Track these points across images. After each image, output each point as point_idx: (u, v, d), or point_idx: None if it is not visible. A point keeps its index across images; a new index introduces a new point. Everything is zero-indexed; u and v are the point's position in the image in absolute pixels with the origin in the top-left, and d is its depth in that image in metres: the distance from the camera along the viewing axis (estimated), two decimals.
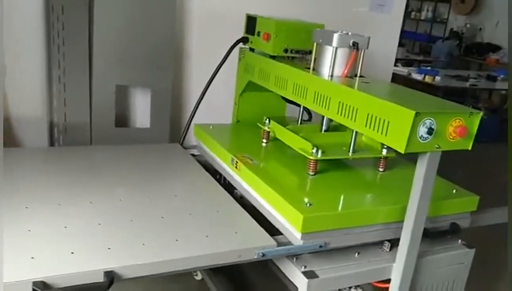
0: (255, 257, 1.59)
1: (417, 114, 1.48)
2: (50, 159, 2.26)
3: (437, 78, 6.67)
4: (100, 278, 1.34)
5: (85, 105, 2.82)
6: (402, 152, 1.52)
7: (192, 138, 2.74)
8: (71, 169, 2.08)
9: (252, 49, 2.52)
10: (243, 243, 1.61)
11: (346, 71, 1.99)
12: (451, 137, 1.60)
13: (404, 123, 1.50)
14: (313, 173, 1.95)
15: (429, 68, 7.34)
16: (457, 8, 11.72)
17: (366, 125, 1.66)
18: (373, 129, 1.63)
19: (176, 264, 1.49)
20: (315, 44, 2.06)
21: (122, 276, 1.39)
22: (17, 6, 2.67)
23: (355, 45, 1.96)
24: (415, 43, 12.65)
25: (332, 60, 1.97)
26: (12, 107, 2.77)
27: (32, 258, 1.37)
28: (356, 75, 2.02)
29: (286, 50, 2.33)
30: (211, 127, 2.47)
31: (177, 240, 1.58)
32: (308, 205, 1.65)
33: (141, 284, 2.70)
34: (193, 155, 2.45)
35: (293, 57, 2.37)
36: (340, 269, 1.69)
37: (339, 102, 1.79)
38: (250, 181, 1.94)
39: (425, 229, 1.79)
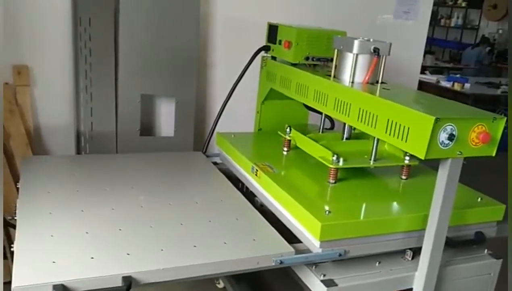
0: (273, 264, 1.57)
1: (437, 120, 1.46)
2: (75, 166, 2.31)
3: (467, 85, 6.53)
4: (118, 283, 1.36)
5: (111, 114, 2.88)
6: (423, 158, 1.49)
7: (215, 146, 2.76)
8: (95, 176, 2.12)
9: (274, 58, 2.53)
10: (261, 250, 1.60)
11: (367, 78, 1.97)
12: (474, 143, 1.56)
13: (424, 129, 1.48)
14: (333, 181, 1.93)
15: (458, 75, 7.19)
16: (489, 14, 11.48)
17: (386, 132, 1.64)
18: (393, 136, 1.61)
19: (193, 270, 1.49)
20: (336, 51, 2.05)
21: (139, 281, 1.40)
22: (46, 19, 2.76)
23: (376, 51, 1.94)
24: (445, 50, 12.44)
25: (353, 67, 1.96)
26: (41, 117, 2.86)
27: (53, 262, 1.40)
28: (377, 82, 2.00)
29: (307, 58, 2.33)
30: (232, 136, 2.48)
31: (195, 246, 1.58)
32: (327, 212, 1.64)
33: None
34: (215, 163, 2.47)
35: (315, 65, 2.37)
36: (360, 278, 1.66)
37: (359, 108, 1.78)
38: (270, 188, 1.94)
39: (449, 238, 1.75)
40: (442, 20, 12.62)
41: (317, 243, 1.61)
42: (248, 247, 1.63)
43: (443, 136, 1.50)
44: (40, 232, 1.57)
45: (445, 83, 6.71)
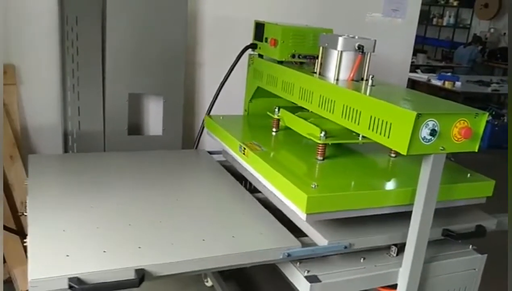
0: (281, 257, 1.61)
1: (418, 115, 1.46)
2: (82, 163, 2.31)
3: (457, 84, 6.57)
4: (131, 276, 1.39)
5: (99, 113, 2.87)
6: (405, 153, 1.50)
7: (205, 145, 2.76)
8: (102, 173, 2.16)
9: (261, 56, 2.53)
10: (269, 243, 1.64)
11: (352, 75, 1.97)
12: (456, 139, 1.56)
13: (406, 125, 1.48)
14: (321, 158, 1.94)
15: (449, 74, 7.22)
16: (480, 13, 11.55)
17: (369, 128, 1.64)
18: (376, 132, 1.61)
19: (203, 263, 1.53)
20: (321, 48, 2.06)
21: (152, 274, 1.43)
22: (32, 18, 2.75)
23: (360, 48, 1.94)
24: (437, 49, 12.50)
25: (337, 64, 1.96)
26: (28, 116, 2.84)
27: (67, 255, 1.44)
28: (362, 79, 2.00)
29: (293, 56, 2.33)
30: (221, 118, 2.49)
31: (204, 240, 1.62)
32: (314, 186, 1.64)
33: None
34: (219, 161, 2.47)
35: (301, 62, 2.37)
36: (344, 274, 1.66)
37: (343, 105, 1.78)
38: (258, 166, 1.94)
39: (450, 231, 1.82)
40: (434, 19, 12.68)
41: (303, 216, 1.61)
42: (256, 240, 1.66)
43: (425, 132, 1.50)
44: (52, 227, 1.61)
45: (436, 82, 6.74)
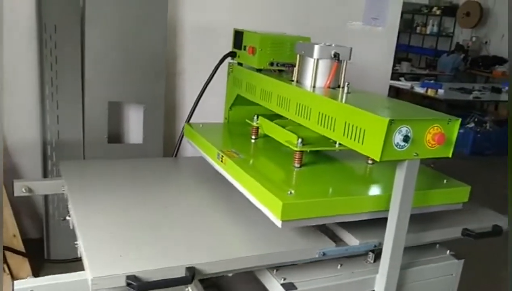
0: (316, 256, 1.69)
1: (391, 121, 1.47)
2: (117, 168, 2.34)
3: (440, 91, 6.64)
4: (182, 273, 1.46)
5: (78, 122, 2.85)
6: (378, 160, 1.50)
7: (186, 153, 2.75)
8: (137, 179, 2.24)
9: (240, 64, 2.53)
10: (305, 243, 1.72)
11: (328, 82, 1.98)
12: (430, 145, 1.58)
13: (379, 131, 1.49)
14: (298, 165, 1.93)
15: (432, 81, 7.31)
16: (462, 22, 11.73)
17: (344, 135, 1.65)
18: (351, 139, 1.62)
19: (251, 261, 1.62)
20: (298, 56, 2.06)
21: (202, 272, 1.51)
22: (10, 26, 2.73)
23: (336, 56, 1.95)
24: (421, 57, 12.65)
25: (313, 72, 1.97)
26: (6, 125, 2.81)
27: (120, 256, 1.51)
28: (339, 86, 2.01)
29: (272, 64, 2.34)
30: (201, 126, 2.48)
31: (249, 240, 1.71)
32: (289, 193, 1.64)
33: None
34: None
35: (280, 70, 2.38)
36: (321, 281, 1.66)
37: (319, 112, 1.78)
38: (235, 173, 1.93)
39: (468, 230, 1.91)
40: (418, 28, 12.84)
41: (279, 223, 1.60)
42: (294, 240, 1.72)
43: (398, 138, 1.51)
44: (100, 229, 1.67)
45: (419, 89, 6.82)
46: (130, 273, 1.40)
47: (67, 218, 1.87)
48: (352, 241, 1.74)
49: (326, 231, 1.83)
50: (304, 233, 1.77)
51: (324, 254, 1.69)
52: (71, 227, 1.83)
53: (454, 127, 1.60)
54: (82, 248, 1.53)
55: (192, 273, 1.46)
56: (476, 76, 10.52)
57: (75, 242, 1.64)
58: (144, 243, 1.61)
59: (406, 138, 1.51)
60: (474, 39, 11.21)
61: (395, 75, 8.40)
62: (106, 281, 1.38)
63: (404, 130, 1.51)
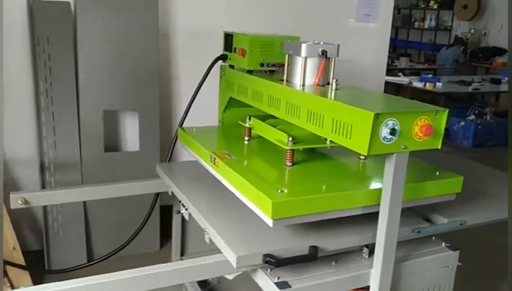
0: (412, 234, 1.84)
1: (377, 115, 1.47)
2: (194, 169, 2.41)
3: (438, 84, 6.63)
4: (306, 251, 1.64)
5: (74, 132, 2.87)
6: (366, 154, 1.51)
7: (182, 157, 2.76)
8: None
9: (232, 66, 2.54)
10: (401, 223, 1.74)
11: (317, 80, 1.99)
12: (418, 137, 1.58)
13: (365, 126, 1.49)
14: (290, 164, 1.93)
15: (430, 75, 7.29)
16: (460, 14, 11.70)
17: (332, 131, 1.65)
18: (339, 134, 1.62)
19: (358, 239, 1.78)
20: (286, 56, 2.07)
21: (324, 249, 1.69)
22: (3, 40, 2.75)
23: (323, 54, 1.96)
24: (420, 52, 12.63)
25: (302, 70, 1.98)
26: (4, 142, 2.83)
27: (252, 239, 1.70)
28: (328, 83, 2.02)
29: (262, 64, 2.34)
30: (194, 129, 2.49)
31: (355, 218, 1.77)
32: (279, 191, 1.64)
33: None
34: None
35: (271, 71, 2.39)
36: (315, 278, 1.66)
37: (308, 110, 1.79)
38: (227, 175, 1.94)
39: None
40: (416, 23, 12.83)
41: (270, 222, 1.61)
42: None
43: (385, 131, 1.51)
44: (222, 218, 1.85)
45: (417, 84, 6.80)
46: (266, 252, 1.59)
47: (182, 211, 2.10)
48: (441, 220, 1.89)
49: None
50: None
51: (419, 231, 1.85)
52: (187, 219, 2.09)
53: (442, 119, 1.60)
54: (216, 233, 1.73)
55: (315, 251, 1.64)
56: (477, 68, 10.50)
57: (205, 230, 1.83)
58: (263, 227, 1.68)
59: (393, 131, 1.51)
60: (472, 31, 11.18)
61: (395, 71, 8.40)
62: (247, 259, 1.59)
63: (390, 123, 1.51)
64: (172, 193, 2.30)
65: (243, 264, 1.59)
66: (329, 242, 1.73)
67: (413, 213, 1.93)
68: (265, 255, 1.58)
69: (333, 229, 1.78)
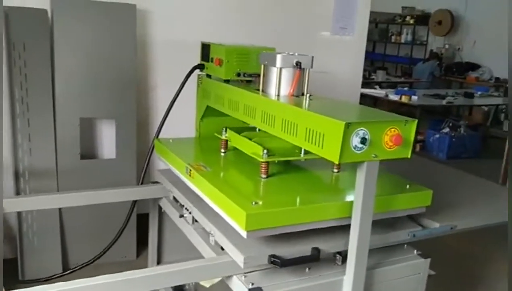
0: (408, 237, 1.94)
1: (347, 124, 1.51)
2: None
3: (414, 97, 6.77)
4: (309, 252, 1.72)
5: (50, 139, 2.85)
6: (337, 162, 1.55)
7: (158, 166, 2.76)
8: None
9: (209, 75, 2.57)
10: (398, 227, 1.94)
11: (291, 90, 2.03)
12: (388, 146, 1.62)
13: (336, 135, 1.53)
14: (265, 176, 1.96)
15: (405, 88, 7.44)
16: (435, 30, 11.99)
17: (305, 140, 1.69)
18: (312, 143, 1.66)
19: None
20: (262, 66, 2.11)
21: (325, 251, 1.76)
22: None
23: (298, 65, 2.00)
24: (397, 66, 12.87)
25: (277, 80, 2.02)
26: None
27: (256, 240, 1.73)
28: (303, 94, 2.06)
29: (239, 74, 2.38)
30: (170, 141, 2.50)
31: None
32: (253, 203, 1.67)
33: None
34: None
35: (248, 81, 2.42)
36: (289, 284, 1.68)
37: (283, 119, 1.82)
38: (202, 186, 1.96)
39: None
40: (393, 37, 13.09)
41: (244, 233, 1.63)
42: (387, 226, 1.92)
43: (355, 140, 1.55)
44: (225, 221, 1.82)
45: (393, 97, 6.93)
46: (271, 253, 1.66)
47: (185, 215, 2.14)
48: (433, 224, 1.97)
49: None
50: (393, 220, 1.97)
51: (414, 235, 1.94)
52: (191, 223, 2.09)
53: (411, 129, 1.66)
54: (222, 236, 1.79)
55: (317, 253, 1.72)
56: (452, 82, 10.75)
57: (210, 232, 1.90)
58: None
59: (363, 141, 1.56)
60: (447, 46, 11.46)
61: (372, 84, 8.54)
62: (254, 259, 1.66)
63: (361, 132, 1.56)
64: (174, 197, 2.33)
65: (251, 265, 1.66)
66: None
67: (407, 218, 2.02)
68: (271, 256, 1.65)
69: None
